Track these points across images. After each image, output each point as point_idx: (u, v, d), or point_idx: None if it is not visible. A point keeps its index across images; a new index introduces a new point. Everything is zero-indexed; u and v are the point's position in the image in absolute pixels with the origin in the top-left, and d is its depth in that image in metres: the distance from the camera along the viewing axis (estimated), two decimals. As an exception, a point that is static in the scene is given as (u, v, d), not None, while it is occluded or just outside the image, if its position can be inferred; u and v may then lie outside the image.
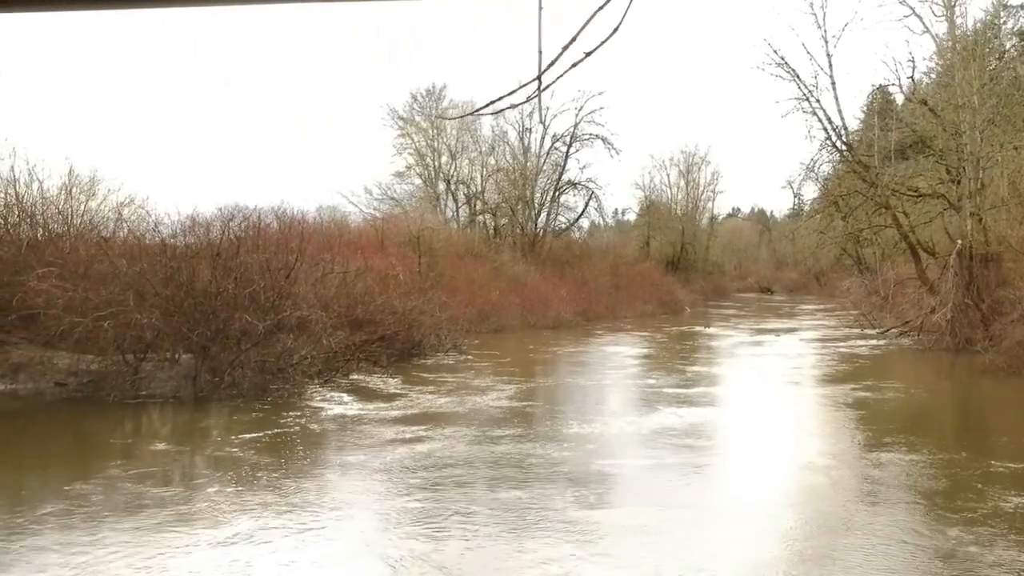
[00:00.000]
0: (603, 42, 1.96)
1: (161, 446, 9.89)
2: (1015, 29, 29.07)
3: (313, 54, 77.72)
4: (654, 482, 8.21)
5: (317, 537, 6.36)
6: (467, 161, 45.87)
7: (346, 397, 12.93)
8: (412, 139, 45.93)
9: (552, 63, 1.76)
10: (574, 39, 1.78)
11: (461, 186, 45.49)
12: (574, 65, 1.97)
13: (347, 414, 11.58)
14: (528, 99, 1.92)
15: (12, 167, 17.58)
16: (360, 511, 7.10)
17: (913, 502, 7.60)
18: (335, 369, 13.76)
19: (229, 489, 7.60)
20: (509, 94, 1.84)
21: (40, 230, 17.52)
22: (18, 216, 17.42)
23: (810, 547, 6.30)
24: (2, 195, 16.92)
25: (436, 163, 45.58)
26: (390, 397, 12.96)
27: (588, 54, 1.97)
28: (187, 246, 13.39)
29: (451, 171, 45.44)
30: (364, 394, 13.26)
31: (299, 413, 11.55)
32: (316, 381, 13.47)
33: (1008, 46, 28.81)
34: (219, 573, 5.57)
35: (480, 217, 44.65)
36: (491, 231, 42.80)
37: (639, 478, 8.44)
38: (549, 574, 5.64)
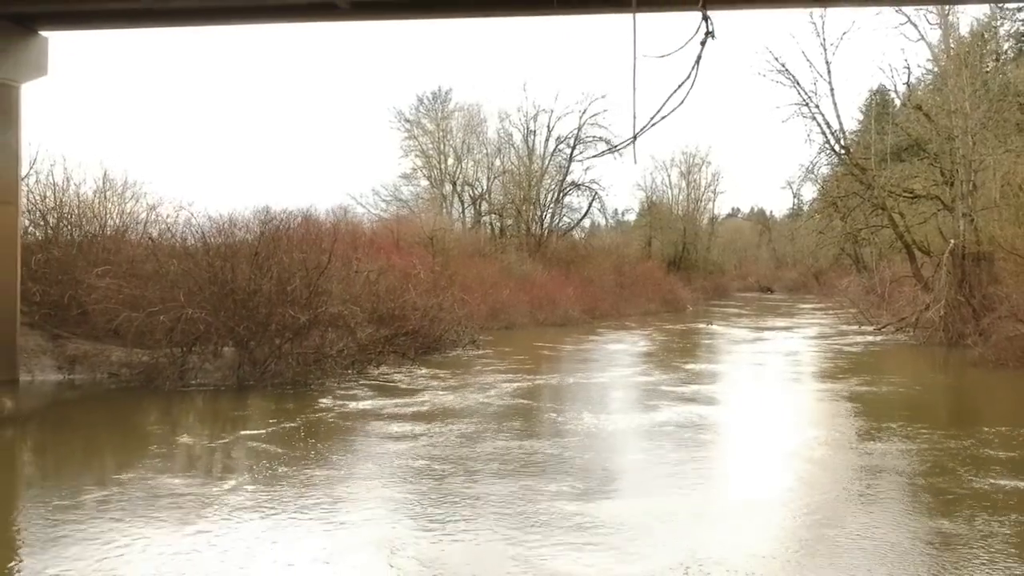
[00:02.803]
0: (674, 109, 2.92)
1: (198, 433, 10.67)
2: (1012, 31, 30.01)
3: (319, 58, 78.74)
4: (658, 474, 8.58)
5: (342, 522, 6.70)
6: (472, 163, 46.86)
7: (378, 387, 13.85)
8: (418, 141, 46.91)
9: (644, 128, 2.71)
10: (658, 111, 2.73)
11: (467, 187, 46.45)
12: (654, 124, 2.92)
13: (380, 403, 12.41)
14: (618, 150, 2.88)
15: (51, 172, 18.59)
16: (386, 500, 7.41)
17: (907, 487, 8.10)
18: (367, 361, 14.77)
19: (258, 475, 8.16)
20: (615, 145, 2.80)
21: (76, 231, 18.48)
22: (57, 219, 18.38)
23: (808, 535, 6.58)
24: (46, 199, 17.83)
25: (442, 165, 46.51)
26: (420, 389, 13.84)
27: (663, 117, 2.93)
28: (228, 246, 14.32)
29: (457, 173, 46.39)
30: (394, 384, 14.20)
31: (335, 402, 12.37)
32: (350, 372, 14.53)
33: (1005, 47, 29.78)
34: (229, 558, 5.89)
35: (486, 218, 45.59)
36: (497, 232, 43.73)
37: (645, 470, 8.82)
38: (556, 562, 5.83)
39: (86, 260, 14.97)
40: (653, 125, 2.91)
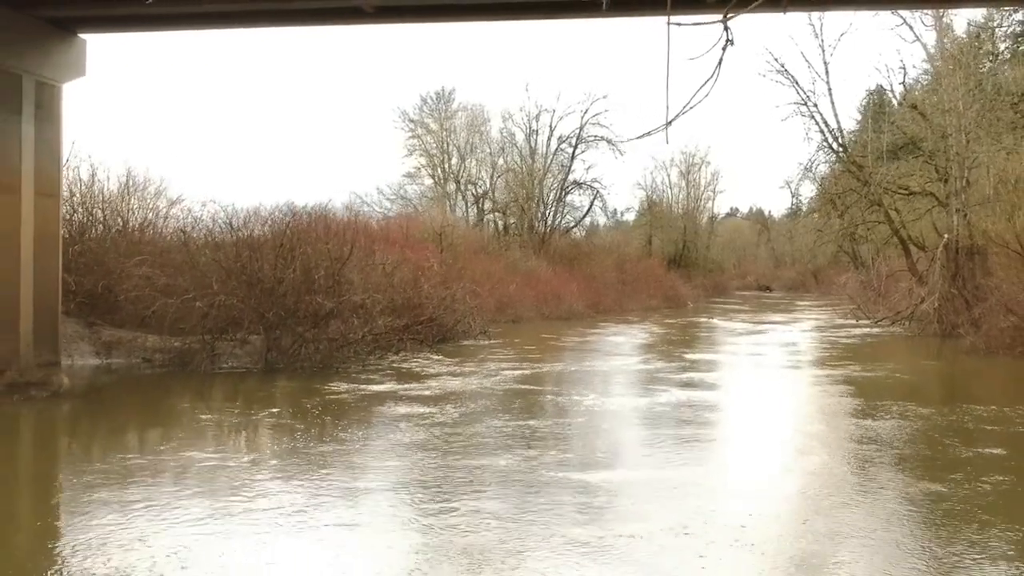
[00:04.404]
0: (700, 100, 3.64)
1: (230, 411, 11.28)
2: (1008, 31, 30.69)
3: (323, 59, 79.44)
4: (659, 448, 9.06)
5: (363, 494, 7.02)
6: (475, 162, 47.58)
7: (397, 372, 14.56)
8: (422, 140, 47.63)
9: (676, 116, 3.44)
10: (688, 103, 3.45)
11: (470, 186, 47.18)
12: (684, 113, 3.65)
13: (400, 386, 13.08)
14: (649, 134, 3.62)
15: (77, 169, 19.31)
16: (400, 471, 7.85)
17: (899, 456, 8.65)
18: (387, 348, 15.54)
19: (282, 448, 8.73)
20: (648, 132, 3.53)
21: (100, 226, 19.21)
22: (84, 214, 19.10)
23: (803, 498, 6.97)
24: (74, 195, 18.52)
25: (446, 164, 47.23)
26: (437, 374, 14.53)
27: (692, 107, 3.65)
28: (254, 238, 15.07)
29: (460, 172, 47.10)
30: (413, 370, 14.91)
31: (358, 385, 13.02)
32: (371, 358, 15.28)
33: (1002, 48, 30.46)
34: (253, 522, 6.20)
35: (489, 216, 46.31)
36: (501, 229, 44.44)
37: (647, 444, 9.33)
38: (561, 523, 6.14)
39: (117, 251, 15.71)
40: (684, 114, 3.64)
